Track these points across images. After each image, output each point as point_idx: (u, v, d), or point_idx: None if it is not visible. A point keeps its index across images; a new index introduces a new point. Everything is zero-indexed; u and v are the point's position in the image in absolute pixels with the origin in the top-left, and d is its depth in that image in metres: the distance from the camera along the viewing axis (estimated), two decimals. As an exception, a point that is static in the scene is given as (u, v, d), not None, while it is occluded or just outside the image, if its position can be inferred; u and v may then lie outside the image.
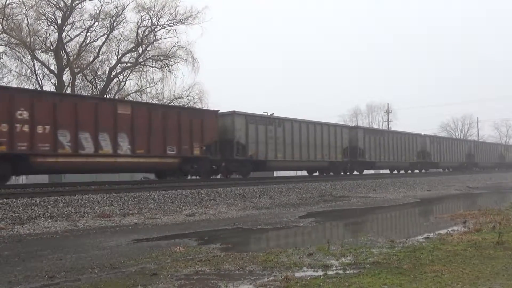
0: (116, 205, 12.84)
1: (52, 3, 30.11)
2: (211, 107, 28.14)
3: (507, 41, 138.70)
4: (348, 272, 5.75)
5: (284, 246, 7.92)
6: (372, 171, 45.47)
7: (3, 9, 27.61)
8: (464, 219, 10.81)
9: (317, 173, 30.33)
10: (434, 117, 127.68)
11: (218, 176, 24.05)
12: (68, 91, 30.12)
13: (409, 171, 38.70)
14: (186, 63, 33.91)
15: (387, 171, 38.21)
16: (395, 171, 37.97)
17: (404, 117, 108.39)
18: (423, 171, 40.13)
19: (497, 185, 31.71)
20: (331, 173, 29.72)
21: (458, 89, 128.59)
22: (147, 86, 34.34)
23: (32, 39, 29.51)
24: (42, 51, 31.05)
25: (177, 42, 33.65)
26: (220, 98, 67.11)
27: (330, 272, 5.73)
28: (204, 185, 17.66)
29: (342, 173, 30.65)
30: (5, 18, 27.79)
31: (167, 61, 33.83)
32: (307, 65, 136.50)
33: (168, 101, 33.34)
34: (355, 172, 32.67)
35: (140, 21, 32.93)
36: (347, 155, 30.32)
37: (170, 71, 33.87)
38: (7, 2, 27.91)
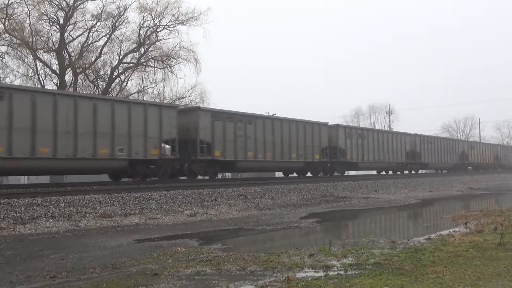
0: (118, 205, 12.86)
1: (54, 3, 30.13)
2: (213, 107, 28.08)
3: (510, 42, 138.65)
4: (349, 273, 5.75)
5: (286, 246, 7.91)
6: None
7: (5, 8, 27.64)
8: (466, 220, 10.79)
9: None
10: (436, 118, 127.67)
11: None
12: (70, 91, 30.16)
13: (306, 175, 28.54)
14: (188, 63, 33.92)
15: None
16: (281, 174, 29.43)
17: (406, 118, 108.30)
18: (328, 174, 29.59)
19: (499, 186, 31.66)
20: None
21: (460, 90, 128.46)
22: (149, 86, 34.38)
23: (34, 39, 29.54)
24: (44, 51, 31.06)
25: (179, 42, 33.64)
26: (222, 98, 67.10)
27: (331, 273, 5.72)
28: (205, 185, 17.68)
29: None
30: (7, 18, 27.82)
31: (169, 62, 33.86)
32: (307, 65, 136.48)
33: (170, 101, 33.35)
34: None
35: (142, 21, 32.93)
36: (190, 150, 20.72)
37: (172, 72, 33.88)
38: (10, 2, 27.97)
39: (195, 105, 22.68)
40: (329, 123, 29.52)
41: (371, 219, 13.33)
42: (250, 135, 23.36)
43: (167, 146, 20.53)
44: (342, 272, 5.76)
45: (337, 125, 30.50)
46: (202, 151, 20.84)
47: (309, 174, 28.80)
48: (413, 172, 38.59)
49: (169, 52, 33.67)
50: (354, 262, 6.34)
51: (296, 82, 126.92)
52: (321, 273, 5.74)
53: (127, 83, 34.76)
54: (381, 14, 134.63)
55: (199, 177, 22.76)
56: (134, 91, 34.48)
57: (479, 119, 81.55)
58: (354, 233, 10.64)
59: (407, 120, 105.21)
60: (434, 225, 11.43)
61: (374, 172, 37.21)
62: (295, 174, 29.20)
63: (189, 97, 35.75)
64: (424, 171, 43.61)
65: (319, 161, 28.08)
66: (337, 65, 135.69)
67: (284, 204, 15.79)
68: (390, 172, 36.68)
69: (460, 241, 7.91)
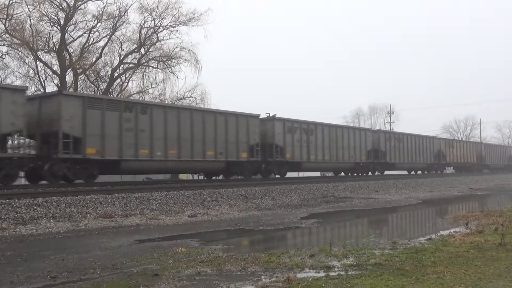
0: (118, 206, 12.86)
1: (55, 3, 30.20)
2: (214, 108, 28.02)
3: (510, 41, 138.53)
4: (350, 273, 5.74)
5: (286, 247, 7.91)
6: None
7: (5, 9, 27.65)
8: (467, 221, 10.78)
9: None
10: (437, 119, 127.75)
11: None
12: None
13: (231, 177, 24.61)
14: (189, 64, 33.98)
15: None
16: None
17: (407, 119, 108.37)
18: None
19: (499, 186, 31.63)
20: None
21: (461, 90, 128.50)
22: (150, 87, 34.46)
23: (34, 40, 29.57)
24: (45, 52, 31.11)
25: (180, 43, 33.70)
26: (222, 99, 67.15)
27: (332, 273, 5.72)
28: (206, 186, 17.68)
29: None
30: (8, 19, 27.84)
31: (169, 62, 33.91)
32: (307, 65, 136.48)
33: (171, 102, 33.37)
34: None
35: (143, 22, 33.00)
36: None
37: (172, 72, 33.96)
38: (10, 2, 27.99)
39: (55, 90, 18.78)
40: (261, 115, 25.23)
41: (371, 220, 13.32)
42: (144, 127, 19.10)
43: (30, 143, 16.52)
44: (342, 273, 5.76)
45: (273, 118, 25.88)
46: (66, 147, 16.64)
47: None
48: (377, 173, 33.99)
49: (170, 53, 33.76)
50: (355, 263, 6.33)
51: (296, 82, 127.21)
52: (322, 274, 5.73)
53: (127, 84, 34.86)
54: (381, 14, 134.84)
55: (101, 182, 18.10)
56: (134, 92, 34.60)
57: (480, 119, 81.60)
58: (355, 234, 10.63)
59: (407, 121, 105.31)
60: (435, 226, 11.42)
61: (330, 173, 32.49)
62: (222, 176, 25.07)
63: (190, 98, 35.88)
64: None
65: (247, 161, 23.83)
66: (337, 65, 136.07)
67: (285, 205, 15.78)
68: (351, 174, 32.48)
69: (461, 242, 7.91)
